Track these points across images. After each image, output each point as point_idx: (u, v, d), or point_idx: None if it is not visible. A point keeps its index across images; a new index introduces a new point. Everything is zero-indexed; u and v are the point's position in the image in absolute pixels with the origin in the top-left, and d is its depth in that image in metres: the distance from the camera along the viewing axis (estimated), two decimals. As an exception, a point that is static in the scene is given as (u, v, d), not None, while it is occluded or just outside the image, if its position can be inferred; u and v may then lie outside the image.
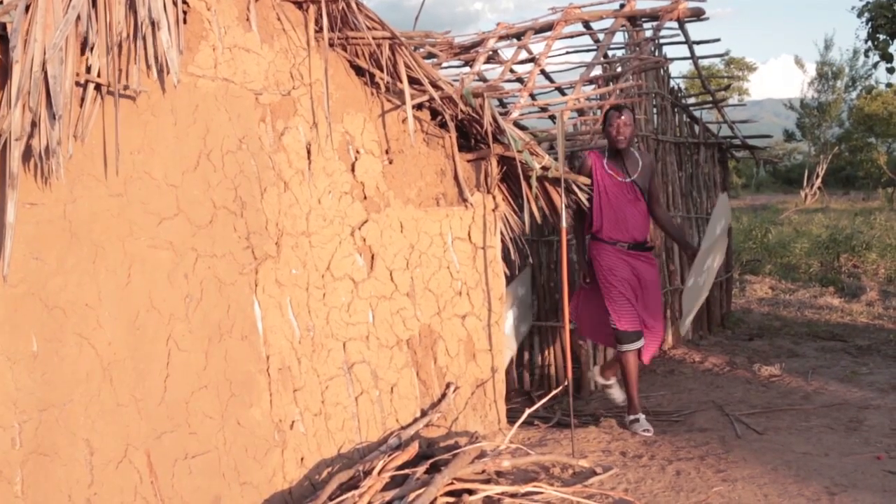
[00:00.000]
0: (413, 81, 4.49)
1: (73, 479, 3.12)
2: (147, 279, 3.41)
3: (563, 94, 8.06)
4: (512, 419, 4.98)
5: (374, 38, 4.24)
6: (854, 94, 34.59)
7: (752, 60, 39.12)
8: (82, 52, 3.17)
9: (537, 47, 8.69)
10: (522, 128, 7.14)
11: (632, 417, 5.50)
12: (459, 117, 4.80)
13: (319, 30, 4.18)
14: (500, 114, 5.51)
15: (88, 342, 3.20)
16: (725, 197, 7.75)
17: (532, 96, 8.26)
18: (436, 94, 4.54)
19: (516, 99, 7.72)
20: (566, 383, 5.30)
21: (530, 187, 5.14)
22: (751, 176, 38.93)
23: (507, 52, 8.88)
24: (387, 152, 4.60)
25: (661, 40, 8.28)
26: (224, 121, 3.75)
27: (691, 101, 9.85)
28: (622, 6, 8.42)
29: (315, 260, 4.15)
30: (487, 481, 4.13)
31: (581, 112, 7.44)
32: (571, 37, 8.73)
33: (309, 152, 4.15)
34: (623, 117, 5.35)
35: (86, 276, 3.20)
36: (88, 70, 3.16)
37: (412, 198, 4.71)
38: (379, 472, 3.87)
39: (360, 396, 4.36)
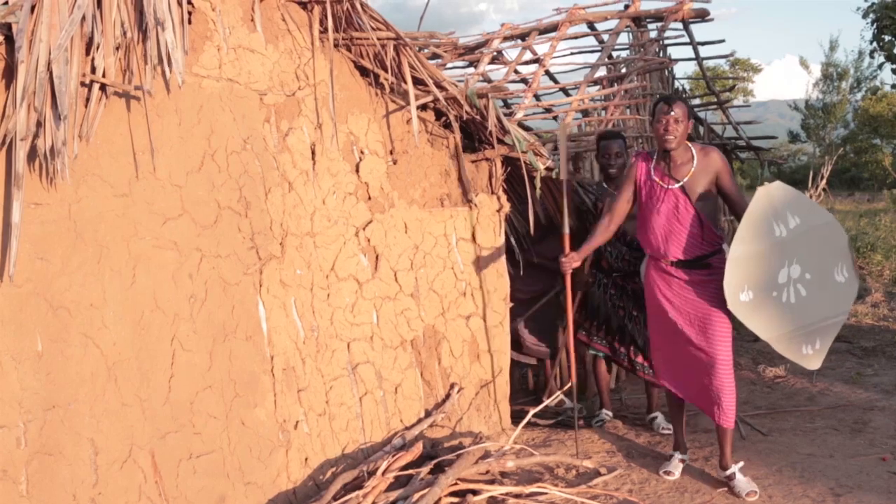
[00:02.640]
0: (417, 82, 4.49)
1: (77, 478, 3.12)
2: (152, 279, 3.41)
3: (568, 94, 8.06)
4: (516, 420, 4.98)
5: (378, 39, 4.24)
6: (859, 96, 34.51)
7: (756, 61, 39.06)
8: (87, 53, 3.17)
9: (542, 48, 8.70)
10: (527, 128, 7.14)
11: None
12: (464, 118, 4.80)
13: (324, 30, 4.18)
14: (505, 114, 5.51)
15: (93, 342, 3.20)
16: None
17: (536, 97, 8.26)
18: (440, 95, 4.54)
19: (521, 100, 7.72)
20: (570, 384, 5.29)
21: (534, 188, 5.14)
22: (755, 177, 38.77)
23: (511, 53, 8.90)
24: (391, 153, 4.60)
25: (666, 41, 8.29)
26: (228, 121, 3.76)
27: (696, 102, 9.85)
28: (627, 7, 8.42)
29: (319, 260, 4.15)
30: (492, 482, 4.13)
31: (585, 113, 7.43)
32: (576, 37, 8.74)
33: (313, 153, 4.15)
34: (674, 112, 4.25)
35: (91, 277, 3.21)
36: (94, 70, 3.17)
37: (416, 198, 4.71)
38: (383, 473, 3.87)
39: (365, 397, 4.36)
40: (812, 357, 4.46)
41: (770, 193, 4.22)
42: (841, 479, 4.36)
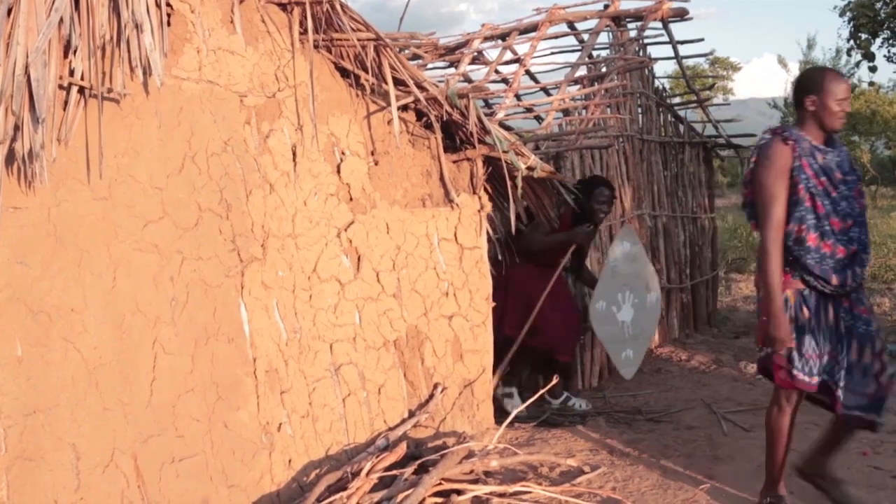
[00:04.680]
0: (398, 83, 4.49)
1: (59, 484, 3.11)
2: (132, 282, 3.40)
3: (549, 94, 8.07)
4: (500, 419, 4.99)
5: (358, 40, 4.24)
6: (837, 93, 34.72)
7: (736, 60, 39.16)
8: (65, 55, 3.16)
9: (522, 48, 8.70)
10: (508, 128, 7.15)
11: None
12: (445, 118, 4.81)
13: (304, 31, 4.17)
14: (486, 114, 5.51)
15: (74, 346, 3.18)
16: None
17: (517, 97, 8.27)
18: (421, 96, 4.54)
19: (501, 100, 7.72)
20: (553, 382, 5.30)
21: (516, 187, 5.15)
22: (736, 175, 38.99)
23: (492, 53, 8.88)
24: (372, 153, 4.60)
25: (646, 40, 8.31)
26: (209, 123, 3.74)
27: (676, 100, 9.90)
28: (606, 7, 8.44)
29: (301, 262, 4.14)
30: (476, 481, 4.13)
31: (566, 112, 7.45)
32: (556, 37, 8.74)
33: (294, 154, 4.14)
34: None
35: (71, 281, 3.19)
36: (72, 73, 3.15)
37: (398, 199, 4.71)
38: (367, 474, 3.86)
39: (348, 398, 4.35)
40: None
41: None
42: (822, 473, 4.39)
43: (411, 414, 4.69)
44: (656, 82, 8.72)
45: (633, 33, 8.29)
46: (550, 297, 5.68)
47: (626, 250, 5.96)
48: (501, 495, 4.04)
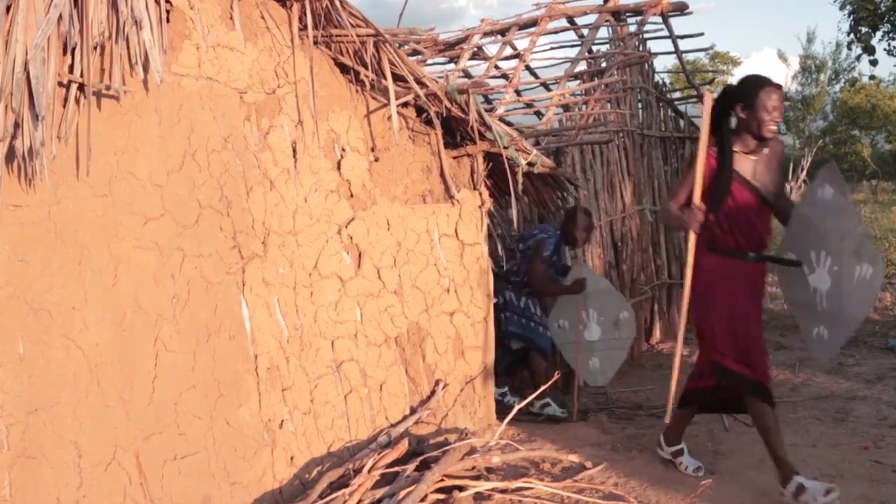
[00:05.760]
0: (398, 78, 4.48)
1: (61, 481, 3.10)
2: (133, 280, 3.39)
3: (549, 89, 8.08)
4: (501, 415, 4.99)
5: (358, 36, 4.23)
6: (837, 87, 34.74)
7: (735, 54, 39.29)
8: (64, 53, 3.15)
9: (522, 43, 8.71)
10: (508, 124, 7.14)
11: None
12: (445, 114, 4.80)
13: (303, 28, 4.17)
14: (486, 110, 5.50)
15: (75, 344, 3.18)
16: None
17: (517, 92, 8.26)
18: (420, 92, 4.53)
19: (501, 95, 7.73)
20: (555, 378, 5.30)
21: (517, 183, 5.14)
22: (736, 170, 39.02)
23: (491, 49, 8.89)
24: (372, 150, 4.59)
25: (645, 35, 8.33)
26: (209, 120, 3.74)
27: (676, 95, 9.89)
28: (606, 1, 8.44)
29: (302, 258, 4.14)
30: (478, 477, 4.14)
31: (566, 107, 7.44)
32: (556, 32, 8.76)
33: (294, 151, 4.14)
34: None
35: (71, 278, 3.18)
36: (71, 70, 3.14)
37: (398, 195, 4.70)
38: (369, 470, 3.86)
39: (349, 395, 4.35)
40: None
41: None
42: (824, 468, 4.40)
43: (413, 410, 4.69)
44: (656, 77, 8.72)
45: (632, 28, 8.30)
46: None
47: (826, 198, 4.22)
48: (503, 491, 4.04)
